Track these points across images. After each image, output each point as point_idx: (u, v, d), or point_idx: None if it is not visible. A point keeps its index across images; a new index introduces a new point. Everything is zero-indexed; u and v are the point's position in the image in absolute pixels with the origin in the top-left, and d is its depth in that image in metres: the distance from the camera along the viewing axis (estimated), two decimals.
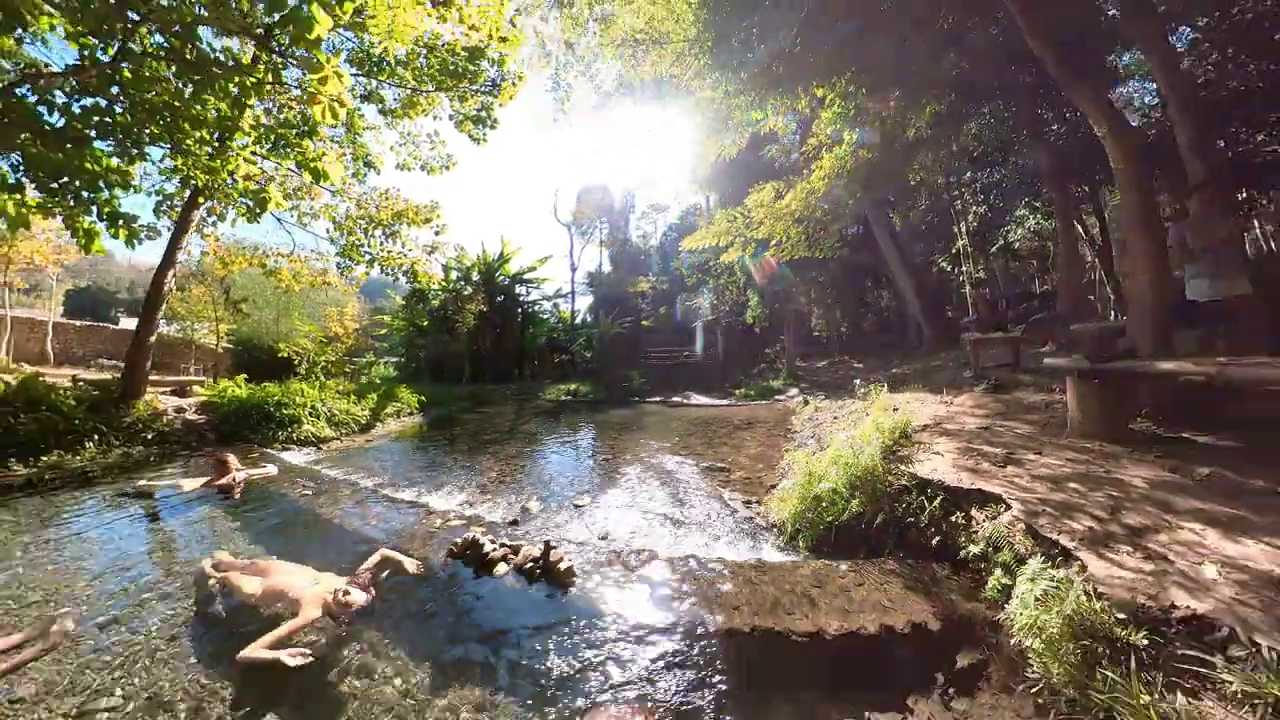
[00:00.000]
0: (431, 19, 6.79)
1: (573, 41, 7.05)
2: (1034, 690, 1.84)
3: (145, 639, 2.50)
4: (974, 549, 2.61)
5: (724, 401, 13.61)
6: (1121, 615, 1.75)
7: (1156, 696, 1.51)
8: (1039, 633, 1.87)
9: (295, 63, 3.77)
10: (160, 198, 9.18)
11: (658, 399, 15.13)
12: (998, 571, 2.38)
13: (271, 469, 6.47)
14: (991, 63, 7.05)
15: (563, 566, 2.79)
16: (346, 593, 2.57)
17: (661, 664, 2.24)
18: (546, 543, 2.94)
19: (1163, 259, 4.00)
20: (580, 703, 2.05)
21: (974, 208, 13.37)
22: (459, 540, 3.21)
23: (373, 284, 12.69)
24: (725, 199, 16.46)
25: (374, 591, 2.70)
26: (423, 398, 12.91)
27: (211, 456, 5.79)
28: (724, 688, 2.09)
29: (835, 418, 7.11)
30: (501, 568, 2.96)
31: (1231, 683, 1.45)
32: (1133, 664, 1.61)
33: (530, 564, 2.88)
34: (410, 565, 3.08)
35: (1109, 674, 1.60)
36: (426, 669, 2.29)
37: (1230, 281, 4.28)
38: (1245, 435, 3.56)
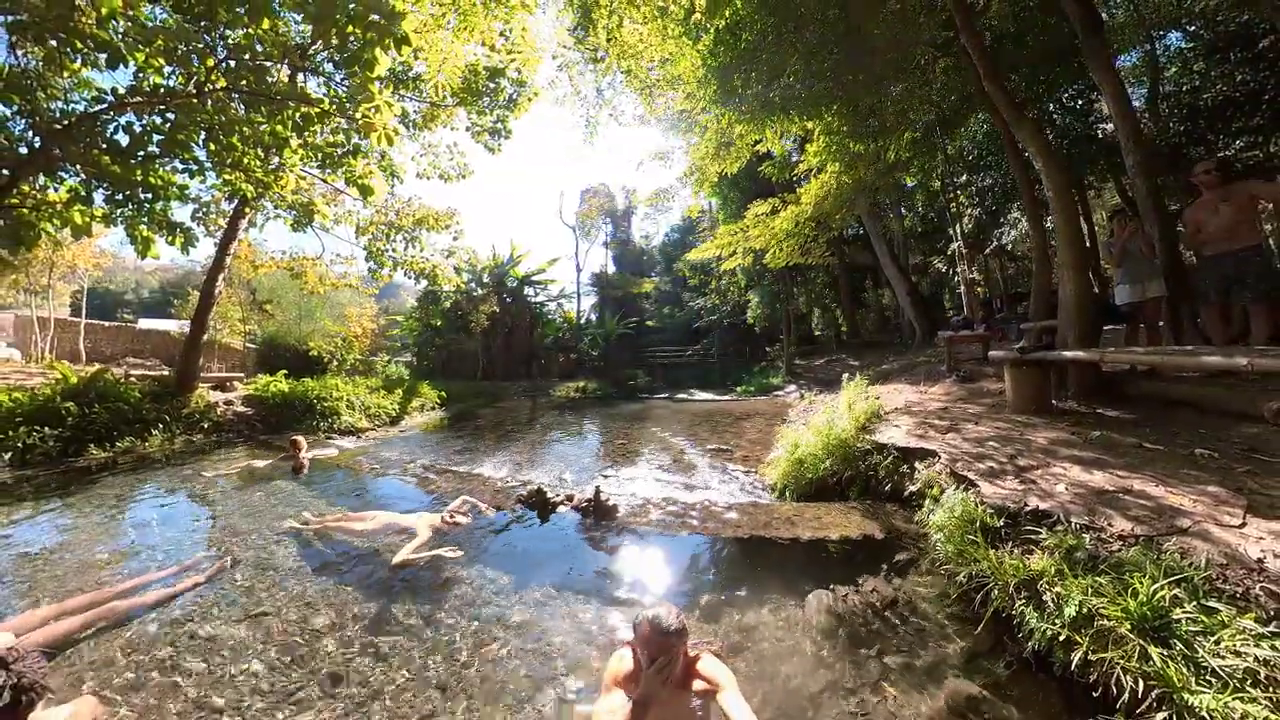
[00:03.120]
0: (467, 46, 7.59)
1: (602, 89, 8.08)
2: (939, 564, 2.79)
3: (275, 571, 3.23)
4: (913, 487, 3.56)
5: (726, 397, 14.52)
6: (993, 512, 2.68)
7: (1000, 552, 2.45)
8: (942, 528, 2.81)
9: (348, 93, 4.09)
10: (196, 205, 10.02)
11: (663, 395, 16.05)
12: (927, 501, 3.31)
13: (333, 450, 7.42)
14: (971, 80, 7.91)
15: (610, 504, 3.72)
16: (454, 514, 3.51)
17: (687, 557, 3.19)
18: (597, 487, 3.87)
19: (1084, 271, 4.91)
20: (627, 588, 2.95)
21: (970, 210, 13.89)
22: (525, 491, 4.14)
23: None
24: (727, 203, 17.37)
25: (471, 518, 3.64)
26: (442, 393, 13.71)
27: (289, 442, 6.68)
28: (732, 570, 3.02)
29: (826, 408, 8.04)
30: (562, 509, 3.89)
31: (1045, 539, 2.37)
32: (989, 538, 2.56)
33: (585, 504, 3.81)
34: (488, 510, 4.01)
35: (976, 541, 2.53)
36: (513, 571, 3.13)
37: (1145, 286, 5.20)
38: (1145, 410, 4.50)
